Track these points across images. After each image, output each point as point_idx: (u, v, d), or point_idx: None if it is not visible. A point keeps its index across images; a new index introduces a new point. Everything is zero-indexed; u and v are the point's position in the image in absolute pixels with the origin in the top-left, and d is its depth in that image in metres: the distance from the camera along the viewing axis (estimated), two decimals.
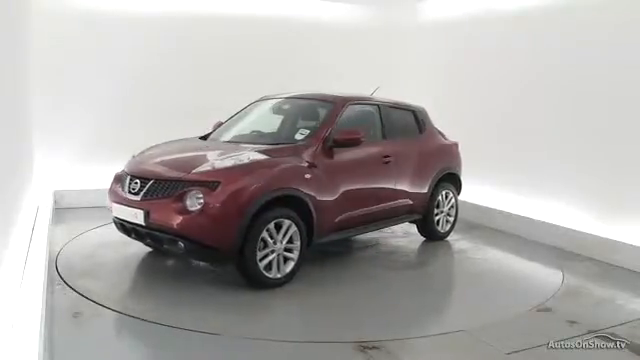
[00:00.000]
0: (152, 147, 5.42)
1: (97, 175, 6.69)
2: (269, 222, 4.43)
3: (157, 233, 4.40)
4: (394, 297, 4.72)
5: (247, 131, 5.73)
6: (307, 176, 4.74)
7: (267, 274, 4.51)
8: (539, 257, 6.03)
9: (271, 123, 5.86)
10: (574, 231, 6.15)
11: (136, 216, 4.46)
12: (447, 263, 5.80)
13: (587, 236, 6.00)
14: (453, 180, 6.50)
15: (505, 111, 7.23)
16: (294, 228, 4.62)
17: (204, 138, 5.75)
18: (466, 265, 5.82)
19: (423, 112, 6.41)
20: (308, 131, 5.25)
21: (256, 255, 4.40)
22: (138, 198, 4.52)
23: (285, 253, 4.62)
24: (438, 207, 6.30)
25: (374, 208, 5.54)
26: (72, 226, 6.32)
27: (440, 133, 6.56)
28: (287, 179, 4.62)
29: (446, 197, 6.41)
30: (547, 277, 5.39)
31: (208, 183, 4.29)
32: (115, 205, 4.76)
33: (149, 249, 5.41)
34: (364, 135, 5.21)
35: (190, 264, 5.20)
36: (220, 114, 6.22)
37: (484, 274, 5.46)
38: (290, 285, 4.70)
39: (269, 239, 4.47)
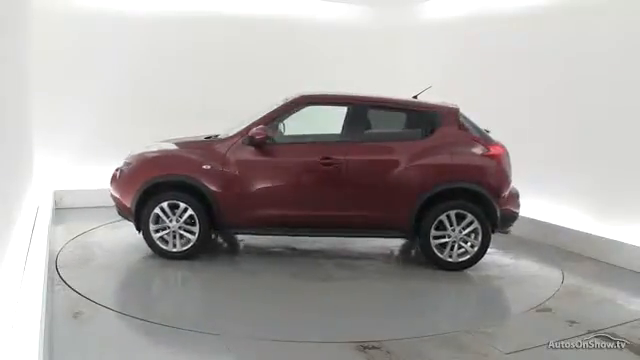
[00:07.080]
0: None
1: (97, 175, 6.69)
2: (161, 201, 5.16)
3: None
4: (394, 297, 4.72)
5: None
6: (205, 167, 5.17)
7: (162, 246, 5.21)
8: (539, 257, 6.03)
9: None
10: (574, 231, 6.14)
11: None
12: None
13: (587, 236, 5.99)
14: (477, 200, 5.25)
15: (505, 111, 7.21)
16: (191, 212, 5.14)
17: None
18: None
19: (441, 114, 5.40)
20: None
21: (148, 226, 5.18)
22: None
23: (184, 232, 5.19)
24: (444, 229, 5.23)
25: (304, 212, 5.26)
26: (72, 226, 6.32)
27: (481, 139, 5.39)
28: (180, 168, 5.28)
29: (460, 219, 5.21)
30: (547, 277, 5.40)
31: (128, 164, 5.44)
32: None
33: (149, 249, 5.41)
34: (266, 135, 5.11)
35: (192, 265, 5.20)
36: (220, 114, 6.21)
37: (483, 274, 5.46)
38: (291, 284, 4.68)
39: (163, 216, 5.17)
